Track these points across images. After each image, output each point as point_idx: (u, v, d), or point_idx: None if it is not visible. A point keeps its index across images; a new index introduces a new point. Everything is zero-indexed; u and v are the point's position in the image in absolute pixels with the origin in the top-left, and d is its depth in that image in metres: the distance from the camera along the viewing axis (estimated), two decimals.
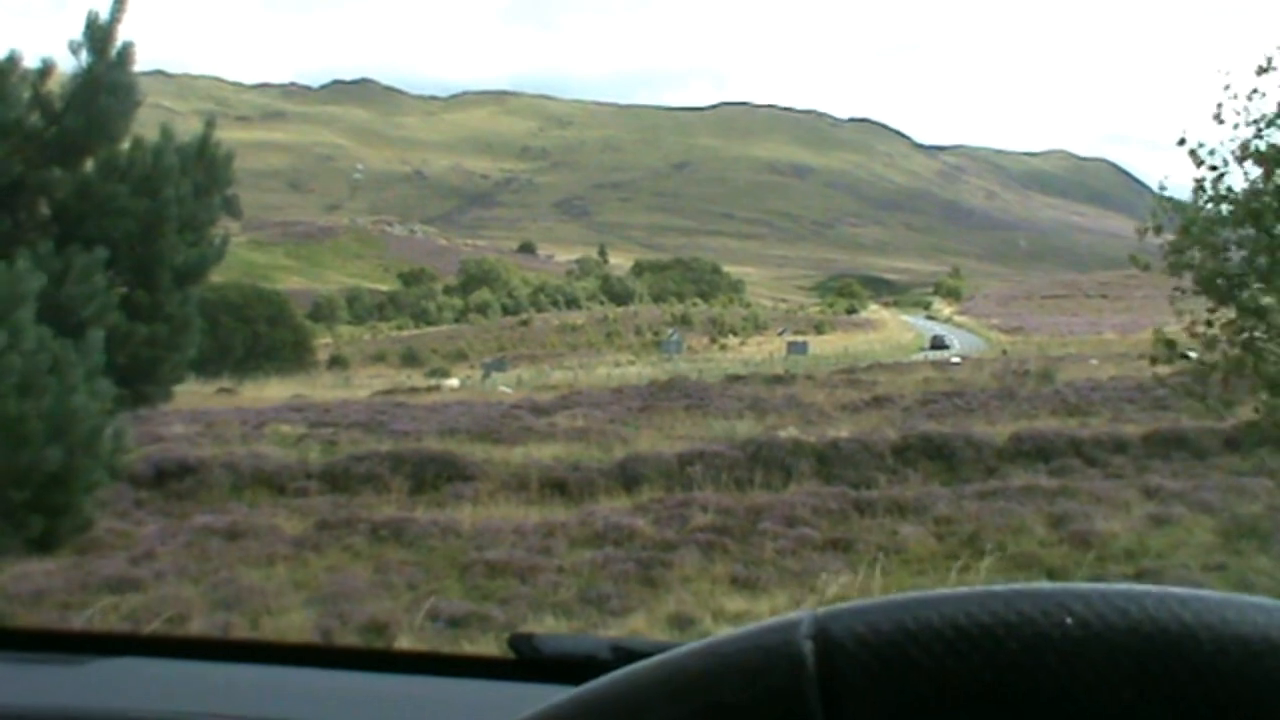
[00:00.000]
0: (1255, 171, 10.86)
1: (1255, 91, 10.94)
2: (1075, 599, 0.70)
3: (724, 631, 0.76)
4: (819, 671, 0.70)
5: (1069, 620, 0.69)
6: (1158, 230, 11.28)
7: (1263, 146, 10.79)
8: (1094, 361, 45.36)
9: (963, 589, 0.73)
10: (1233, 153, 11.01)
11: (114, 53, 8.39)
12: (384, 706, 1.94)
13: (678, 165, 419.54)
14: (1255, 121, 10.85)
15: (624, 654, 1.74)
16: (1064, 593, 0.71)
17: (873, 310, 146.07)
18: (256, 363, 63.04)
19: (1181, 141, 11.26)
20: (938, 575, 12.84)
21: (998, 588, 0.72)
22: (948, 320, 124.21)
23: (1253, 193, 10.75)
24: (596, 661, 1.75)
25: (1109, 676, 0.68)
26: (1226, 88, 10.99)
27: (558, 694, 0.76)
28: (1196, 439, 19.83)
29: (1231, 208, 10.86)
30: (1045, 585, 0.73)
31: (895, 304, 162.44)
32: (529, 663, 1.86)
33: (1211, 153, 11.08)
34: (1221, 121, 11.04)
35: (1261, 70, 10.91)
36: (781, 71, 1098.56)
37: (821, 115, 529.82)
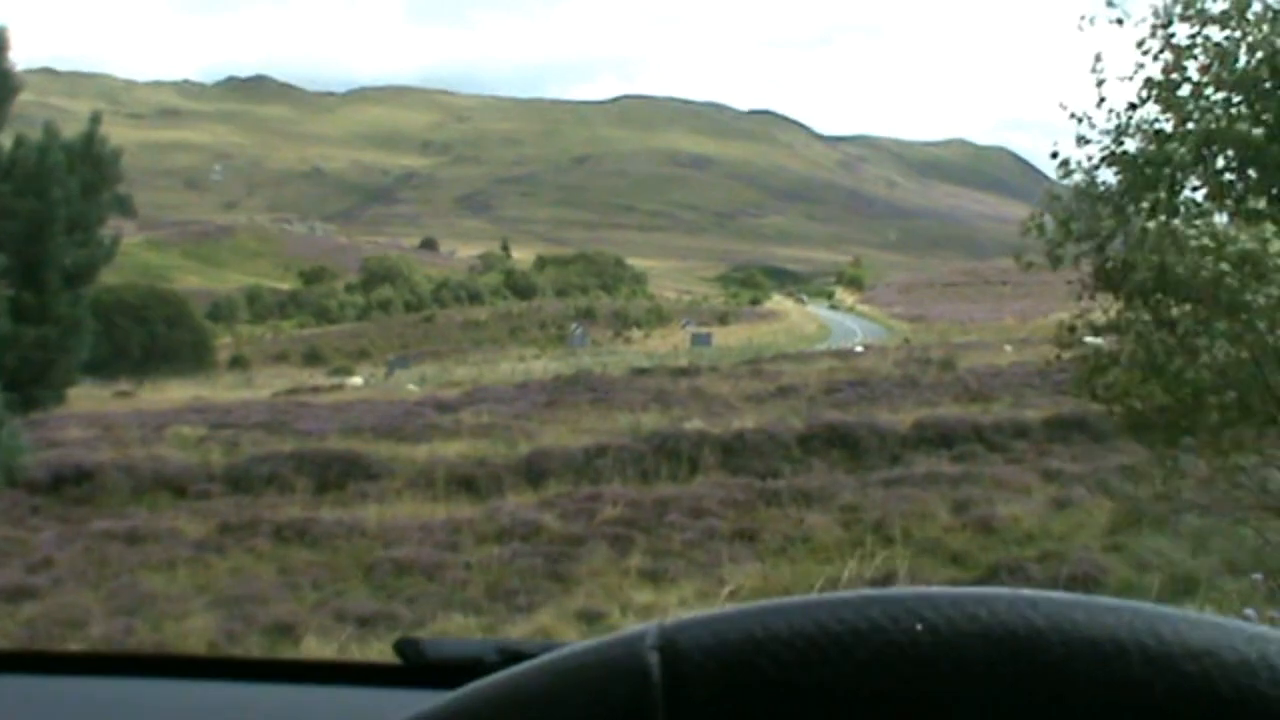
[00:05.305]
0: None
1: (1103, 100, 11.13)
2: (926, 604, 0.69)
3: (569, 644, 0.74)
4: (665, 684, 0.68)
5: (919, 626, 0.68)
6: (1040, 230, 11.45)
7: (1131, 148, 11.01)
8: (1009, 349, 45.30)
9: (813, 596, 0.72)
10: (1103, 157, 11.22)
11: None
12: (269, 718, 1.91)
13: (579, 159, 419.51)
14: (1110, 131, 11.10)
15: (511, 655, 1.71)
16: (915, 598, 0.70)
17: (776, 301, 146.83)
18: (155, 364, 62.25)
19: (1054, 155, 11.50)
20: (844, 563, 12.94)
21: (848, 594, 0.71)
22: (850, 309, 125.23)
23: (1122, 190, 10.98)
24: (483, 664, 1.72)
25: (959, 682, 0.67)
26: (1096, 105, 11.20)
27: (440, 699, 0.73)
28: (1095, 422, 20.14)
29: (1104, 202, 11.07)
30: (896, 591, 0.72)
31: (800, 295, 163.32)
32: (415, 668, 1.84)
33: (1079, 165, 11.30)
34: (1087, 142, 11.25)
35: (1095, 72, 11.09)
36: (683, 64, 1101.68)
37: (722, 107, 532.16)
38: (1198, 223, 9.20)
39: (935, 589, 0.71)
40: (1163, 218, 9.67)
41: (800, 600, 0.71)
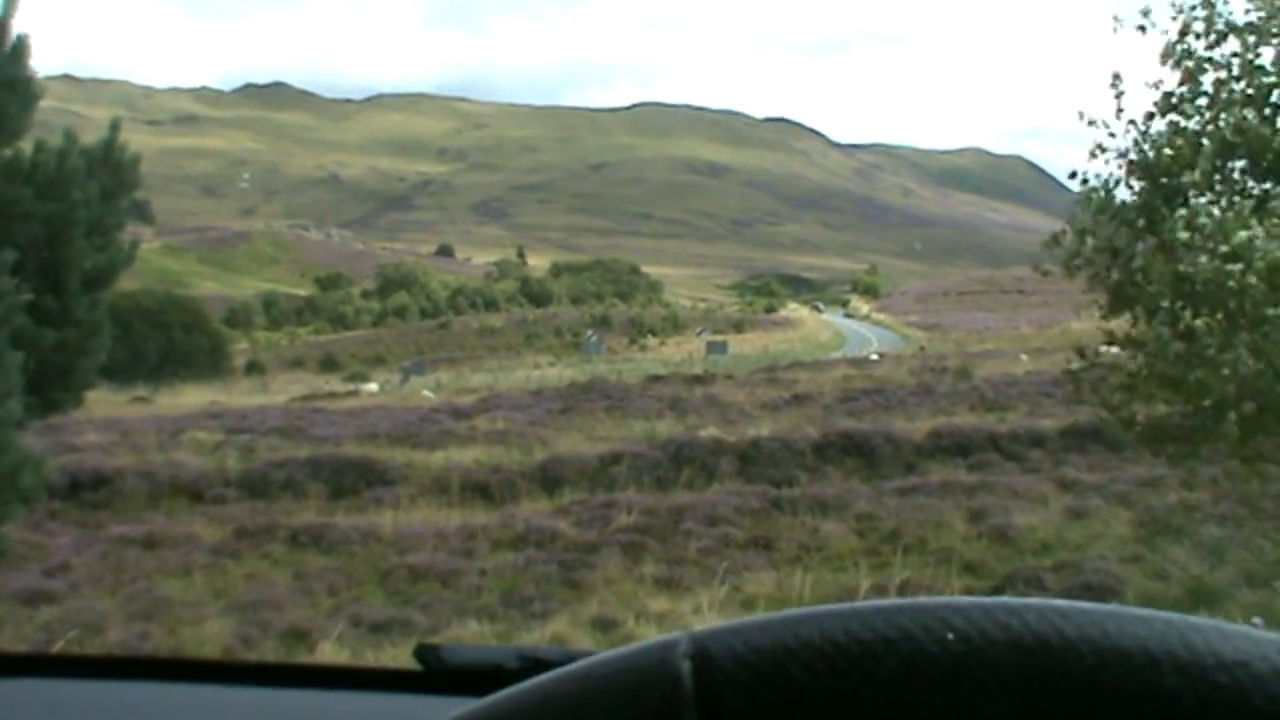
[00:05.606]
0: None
1: (1121, 112, 11.06)
2: (956, 614, 0.69)
3: (601, 652, 0.74)
4: (696, 692, 0.68)
5: (950, 635, 0.68)
6: (1056, 242, 11.41)
7: (1149, 153, 10.94)
8: (1025, 357, 45.02)
9: (844, 604, 0.72)
10: (1120, 168, 11.16)
11: (9, 47, 8.25)
12: None
13: (595, 166, 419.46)
14: (1128, 144, 11.04)
15: (531, 662, 1.72)
16: (945, 607, 0.70)
17: (791, 309, 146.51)
18: (172, 370, 62.32)
19: (1073, 175, 11.45)
20: (859, 572, 12.91)
21: (880, 602, 0.71)
22: (866, 317, 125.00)
23: (1144, 204, 10.90)
24: (504, 671, 1.73)
25: (990, 691, 0.67)
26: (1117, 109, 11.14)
27: (462, 705, 0.73)
28: (1112, 432, 20.07)
29: (1123, 219, 11.01)
30: (927, 600, 0.72)
31: (815, 303, 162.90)
32: (436, 674, 1.84)
33: (1096, 177, 11.24)
34: (1104, 150, 11.18)
35: (1114, 86, 11.01)
36: (700, 71, 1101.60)
37: (738, 115, 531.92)
38: (1228, 228, 9.11)
39: (966, 599, 0.71)
40: (1185, 226, 9.61)
41: (832, 608, 0.71)
